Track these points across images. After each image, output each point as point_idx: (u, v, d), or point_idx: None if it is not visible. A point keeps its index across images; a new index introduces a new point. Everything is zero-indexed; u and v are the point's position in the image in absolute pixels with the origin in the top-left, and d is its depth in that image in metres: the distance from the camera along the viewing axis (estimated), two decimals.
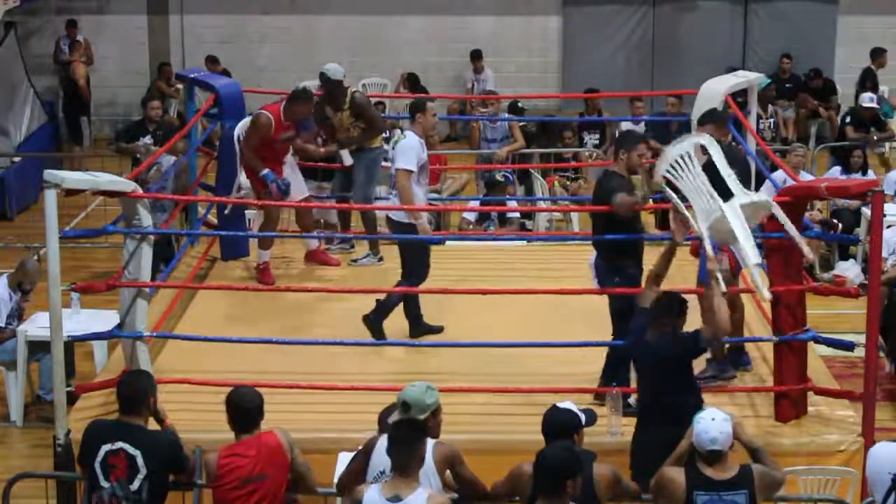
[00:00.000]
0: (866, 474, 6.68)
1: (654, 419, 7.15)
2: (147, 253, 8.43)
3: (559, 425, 6.38)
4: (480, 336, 9.23)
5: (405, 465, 6.02)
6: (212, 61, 18.18)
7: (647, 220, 13.70)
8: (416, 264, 9.33)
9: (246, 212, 11.97)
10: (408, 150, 9.26)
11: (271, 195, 10.26)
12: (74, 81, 18.12)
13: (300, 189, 10.71)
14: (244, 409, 6.50)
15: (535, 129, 14.95)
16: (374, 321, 9.23)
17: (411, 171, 9.25)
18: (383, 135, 11.41)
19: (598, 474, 6.31)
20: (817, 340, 8.37)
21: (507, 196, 13.28)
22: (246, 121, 10.66)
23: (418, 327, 9.43)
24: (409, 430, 6.16)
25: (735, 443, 6.41)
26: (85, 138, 18.35)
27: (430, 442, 6.36)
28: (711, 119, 8.90)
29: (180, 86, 16.18)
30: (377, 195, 11.35)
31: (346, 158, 11.09)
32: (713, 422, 6.30)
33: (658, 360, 7.13)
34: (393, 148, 9.55)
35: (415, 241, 9.26)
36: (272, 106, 10.47)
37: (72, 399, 8.40)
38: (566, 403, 6.53)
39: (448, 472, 6.46)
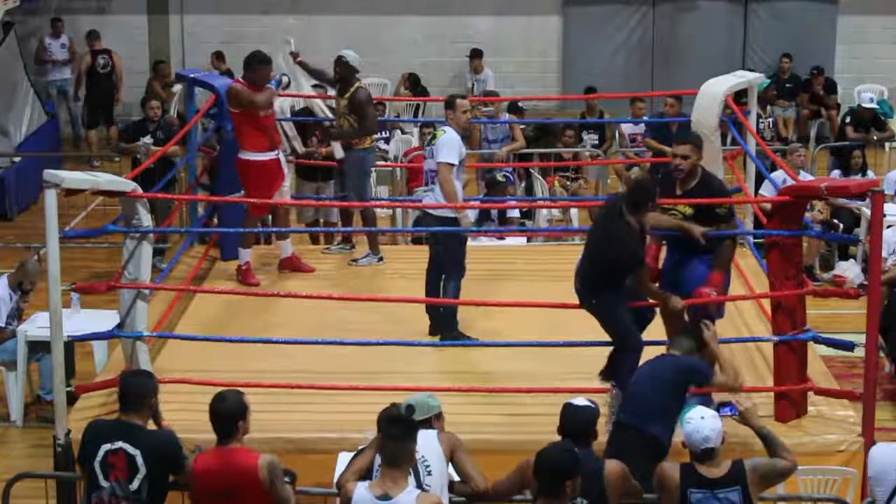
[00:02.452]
0: (868, 474, 6.68)
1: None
2: (147, 253, 8.44)
3: (582, 423, 6.43)
4: (480, 336, 9.25)
5: (395, 461, 6.03)
6: (218, 58, 18.10)
7: None
8: (456, 259, 9.34)
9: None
10: (449, 144, 9.29)
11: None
12: (114, 66, 18.06)
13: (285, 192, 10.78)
14: (217, 414, 6.32)
15: (533, 132, 14.89)
16: (448, 334, 9.19)
17: (453, 165, 9.28)
18: (377, 135, 11.42)
19: (608, 470, 6.36)
20: (817, 340, 8.37)
21: (508, 196, 13.25)
22: None
23: (451, 331, 9.35)
24: (402, 426, 6.17)
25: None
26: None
27: (433, 432, 6.53)
28: (688, 139, 8.53)
29: (177, 86, 16.10)
30: (377, 195, 11.33)
31: (338, 151, 11.13)
32: (703, 420, 6.31)
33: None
34: (428, 144, 9.59)
35: (455, 236, 9.28)
36: (235, 81, 10.70)
37: (72, 399, 8.41)
38: (579, 400, 6.56)
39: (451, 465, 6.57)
